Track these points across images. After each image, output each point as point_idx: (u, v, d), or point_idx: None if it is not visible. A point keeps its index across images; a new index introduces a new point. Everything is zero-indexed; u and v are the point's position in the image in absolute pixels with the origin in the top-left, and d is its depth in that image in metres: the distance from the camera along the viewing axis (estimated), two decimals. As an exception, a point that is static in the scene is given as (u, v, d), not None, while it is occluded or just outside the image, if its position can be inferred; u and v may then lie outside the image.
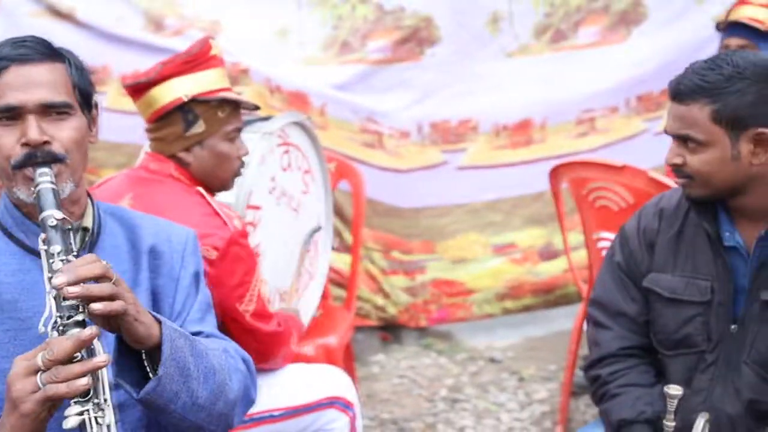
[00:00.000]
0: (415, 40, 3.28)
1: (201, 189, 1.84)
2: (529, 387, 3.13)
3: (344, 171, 2.86)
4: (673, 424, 1.46)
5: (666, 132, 1.52)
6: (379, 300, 3.42)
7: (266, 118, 2.30)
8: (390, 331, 3.50)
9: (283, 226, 2.31)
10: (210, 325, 1.37)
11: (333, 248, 2.65)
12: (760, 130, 1.43)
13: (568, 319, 3.22)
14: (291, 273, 2.36)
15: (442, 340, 3.52)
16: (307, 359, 2.22)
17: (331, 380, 2.00)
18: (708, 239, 1.55)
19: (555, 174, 2.65)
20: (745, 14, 2.77)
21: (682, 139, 1.47)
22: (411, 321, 3.47)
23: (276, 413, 1.90)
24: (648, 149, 3.47)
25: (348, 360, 2.85)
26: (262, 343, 1.85)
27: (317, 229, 2.44)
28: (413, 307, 3.45)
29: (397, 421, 2.87)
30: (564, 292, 3.53)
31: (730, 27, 2.79)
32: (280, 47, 3.10)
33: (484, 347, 3.46)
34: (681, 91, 1.46)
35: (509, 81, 3.42)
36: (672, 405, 1.45)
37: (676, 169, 1.50)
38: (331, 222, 2.60)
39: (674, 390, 1.45)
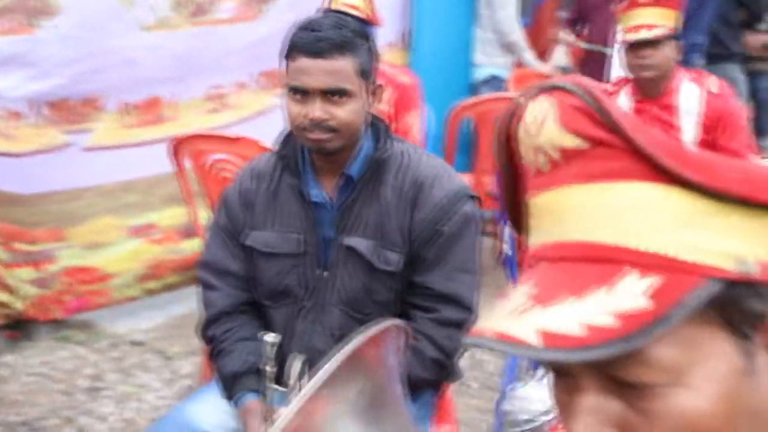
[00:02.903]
0: (23, 11, 2.99)
1: None
2: (174, 364, 3.13)
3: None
4: (272, 369, 1.58)
5: (307, 89, 1.54)
6: (3, 296, 3.14)
7: None
8: (18, 328, 3.24)
9: None
10: None
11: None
12: (378, 83, 1.65)
13: (209, 292, 3.28)
14: None
15: (81, 330, 3.35)
16: None
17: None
18: (297, 196, 1.69)
19: (176, 149, 2.67)
20: (344, 1, 2.97)
21: (328, 94, 1.55)
22: (43, 314, 3.24)
23: None
24: (280, 123, 3.63)
25: (-37, 364, 2.59)
26: None
27: None
28: (44, 299, 3.23)
29: (29, 422, 2.68)
30: (206, 267, 3.58)
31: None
32: None
33: (127, 331, 3.37)
34: (324, 48, 1.54)
35: (143, 56, 3.30)
36: (270, 352, 1.57)
37: (319, 125, 1.56)
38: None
39: (270, 337, 1.57)
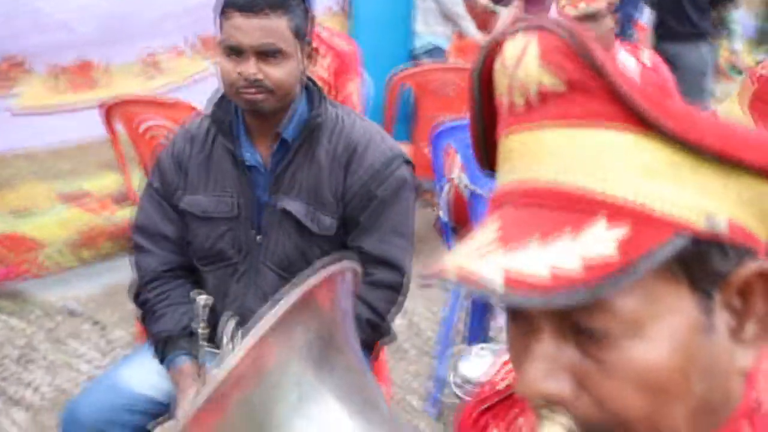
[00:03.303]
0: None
1: None
2: (111, 334, 3.08)
3: None
4: (204, 329, 1.58)
5: (241, 48, 1.53)
6: (-73, 265, 3.05)
7: None
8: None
9: None
10: None
11: None
12: (313, 44, 1.65)
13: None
14: None
15: (12, 299, 3.26)
16: None
17: None
18: (231, 159, 1.68)
19: (108, 113, 2.61)
20: None
21: (262, 54, 1.54)
22: (-30, 284, 3.16)
23: None
24: (215, 89, 3.57)
25: None
26: None
27: None
28: (-29, 268, 3.14)
29: (-43, 392, 2.62)
30: (142, 235, 3.52)
31: None
32: None
33: (60, 301, 3.30)
34: (258, 5, 1.52)
35: (72, 18, 3.19)
36: (202, 312, 1.56)
37: (253, 84, 1.55)
38: None
39: (202, 298, 1.56)
